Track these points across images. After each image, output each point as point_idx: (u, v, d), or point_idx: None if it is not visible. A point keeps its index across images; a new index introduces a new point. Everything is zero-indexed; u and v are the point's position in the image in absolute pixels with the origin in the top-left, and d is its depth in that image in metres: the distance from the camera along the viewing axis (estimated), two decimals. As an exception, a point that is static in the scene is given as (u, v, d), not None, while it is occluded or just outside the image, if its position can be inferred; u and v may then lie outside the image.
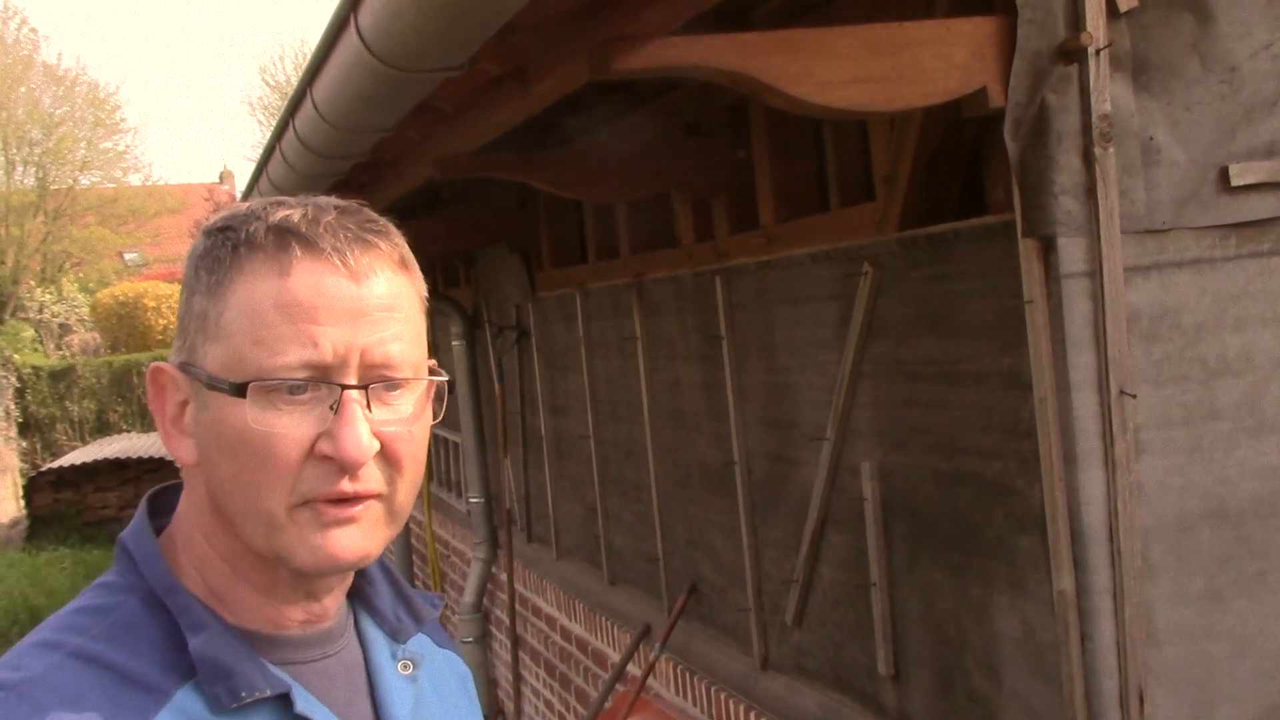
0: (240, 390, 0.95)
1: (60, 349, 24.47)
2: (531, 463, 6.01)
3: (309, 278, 0.96)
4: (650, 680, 4.25)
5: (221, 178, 41.36)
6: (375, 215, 1.03)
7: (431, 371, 1.03)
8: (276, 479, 0.96)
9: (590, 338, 4.92)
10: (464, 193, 6.02)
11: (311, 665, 1.04)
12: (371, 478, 0.98)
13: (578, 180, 3.46)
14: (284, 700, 0.99)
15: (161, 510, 1.09)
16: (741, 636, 3.73)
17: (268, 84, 36.14)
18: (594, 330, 4.89)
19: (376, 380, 0.98)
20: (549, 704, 5.85)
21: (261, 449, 0.95)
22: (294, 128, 3.30)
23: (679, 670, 4.05)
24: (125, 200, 31.53)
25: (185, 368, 1.00)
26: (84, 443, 18.58)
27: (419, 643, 1.16)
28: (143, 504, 1.08)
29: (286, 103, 3.46)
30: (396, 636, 1.14)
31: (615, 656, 4.67)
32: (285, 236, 0.97)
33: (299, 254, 0.96)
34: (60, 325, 25.50)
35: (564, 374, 5.37)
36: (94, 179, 31.76)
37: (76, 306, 25.93)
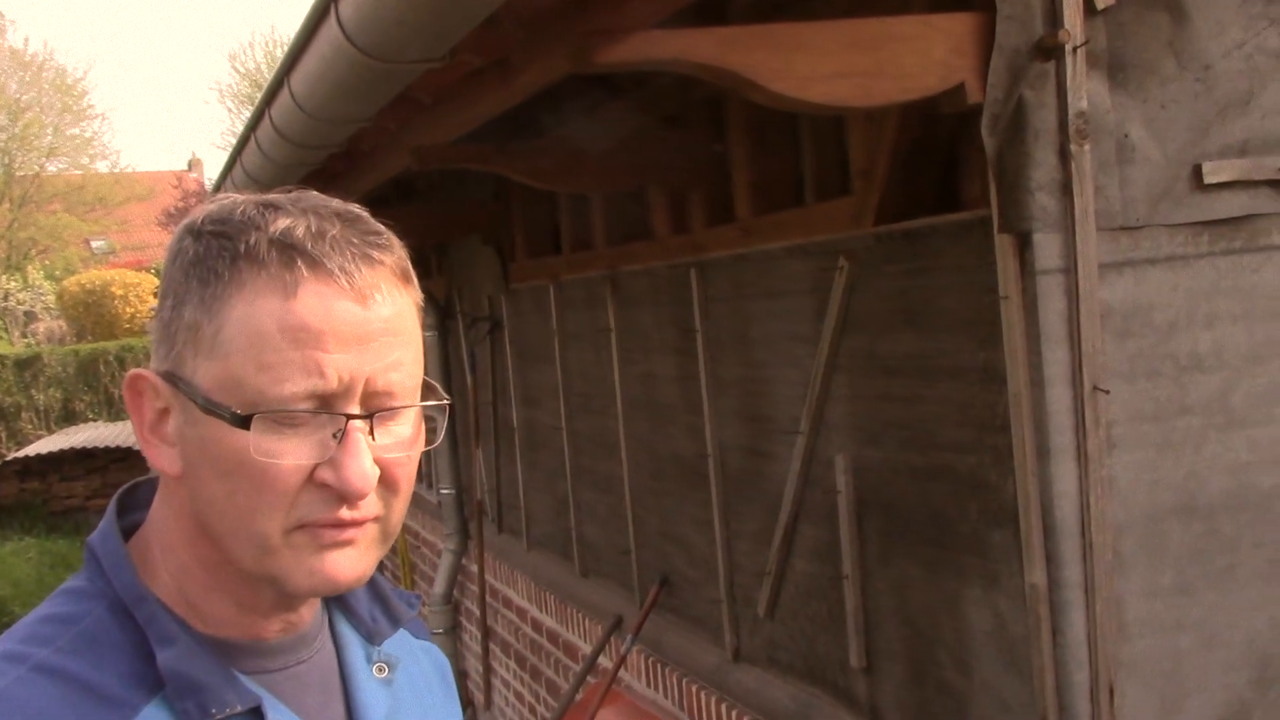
0: (244, 422, 0.91)
1: (26, 337, 24.24)
2: (503, 454, 6.01)
3: (315, 300, 0.92)
4: (621, 672, 4.26)
5: (190, 165, 41.04)
6: (377, 225, 0.99)
7: (431, 391, 1.00)
8: (273, 504, 0.93)
9: (564, 330, 4.92)
10: (439, 183, 6.00)
11: (285, 672, 1.02)
12: (370, 503, 0.95)
13: (554, 172, 3.46)
14: (255, 713, 0.97)
15: (132, 507, 1.06)
16: (713, 629, 3.75)
17: (237, 71, 35.93)
18: (568, 322, 4.89)
19: (379, 408, 0.95)
20: (519, 695, 5.86)
21: (260, 475, 0.92)
22: (270, 117, 3.28)
23: (650, 662, 4.07)
24: (92, 187, 31.29)
25: (171, 379, 0.95)
26: (50, 432, 18.40)
27: (396, 643, 1.13)
28: (112, 505, 1.04)
29: (263, 92, 3.44)
30: (372, 638, 1.11)
31: (586, 648, 4.68)
32: (289, 253, 0.92)
33: (305, 274, 0.92)
34: (26, 313, 25.25)
35: (537, 366, 5.37)
36: (61, 165, 31.53)
37: (42, 294, 25.68)
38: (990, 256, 2.30)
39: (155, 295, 1.01)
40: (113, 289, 22.96)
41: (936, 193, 2.76)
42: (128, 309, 22.99)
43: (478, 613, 6.41)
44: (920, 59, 2.21)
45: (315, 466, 0.93)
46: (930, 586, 2.68)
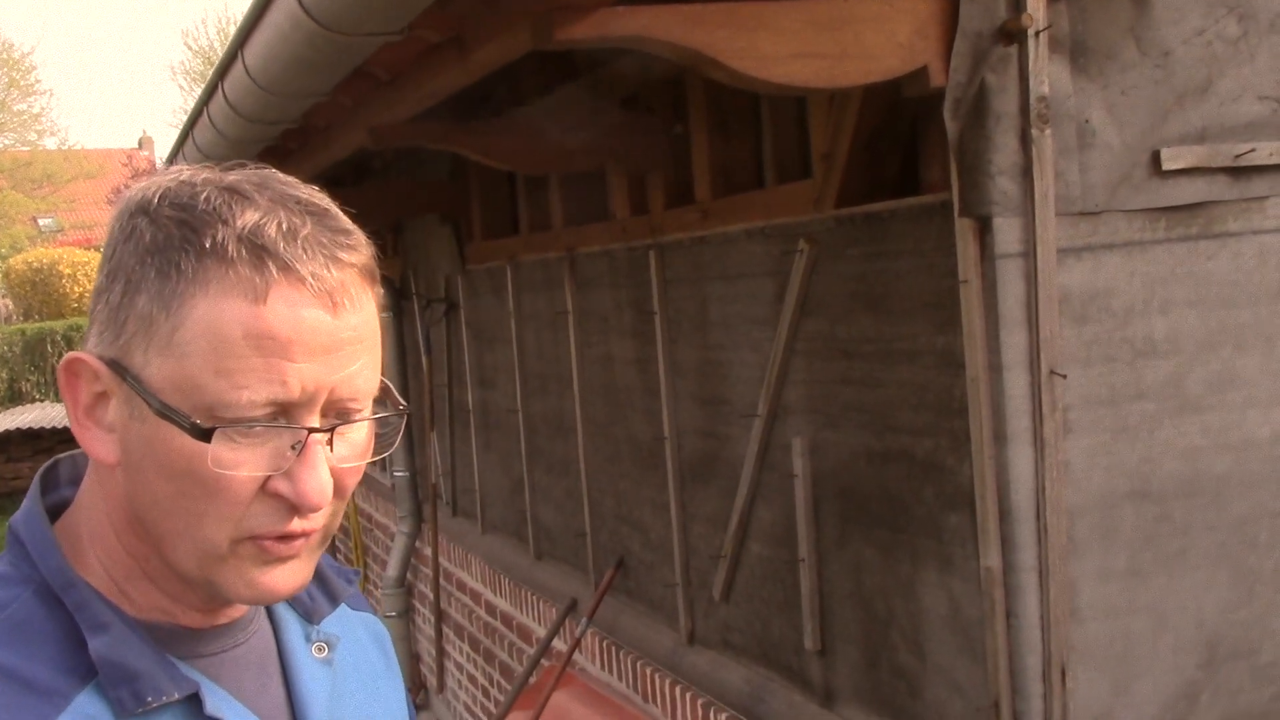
0: (205, 435, 0.87)
1: (-30, 315, 23.86)
2: (458, 436, 5.98)
3: (285, 308, 0.87)
4: (576, 655, 4.25)
5: (141, 143, 40.56)
6: (345, 221, 0.94)
7: (387, 396, 0.97)
8: (224, 514, 0.90)
9: (521, 311, 4.89)
10: (395, 162, 5.94)
11: (221, 656, 0.99)
12: (319, 514, 0.93)
13: (513, 152, 3.43)
14: (193, 700, 0.94)
15: (52, 486, 1.02)
16: (669, 611, 3.74)
17: (190, 48, 35.53)
18: (524, 303, 4.86)
19: (339, 418, 0.92)
20: (472, 678, 5.84)
21: (212, 483, 0.89)
22: (223, 91, 3.23)
23: (605, 645, 4.06)
24: (40, 164, 30.86)
25: (118, 368, 0.90)
26: (-5, 412, 18.15)
27: (335, 619, 1.11)
28: (35, 484, 1.00)
29: (215, 66, 3.38)
30: (310, 617, 1.08)
31: (541, 631, 4.66)
32: (259, 254, 0.88)
33: (275, 276, 0.87)
34: (-29, 291, 24.85)
35: (493, 347, 5.34)
36: (7, 141, 31.06)
37: (-12, 272, 25.29)
38: (950, 240, 2.30)
39: (98, 271, 0.94)
40: (60, 268, 22.64)
41: (897, 176, 2.76)
42: (75, 288, 22.67)
43: (431, 596, 6.38)
44: (884, 41, 2.21)
45: (269, 477, 0.90)
46: (886, 570, 2.69)
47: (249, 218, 0.89)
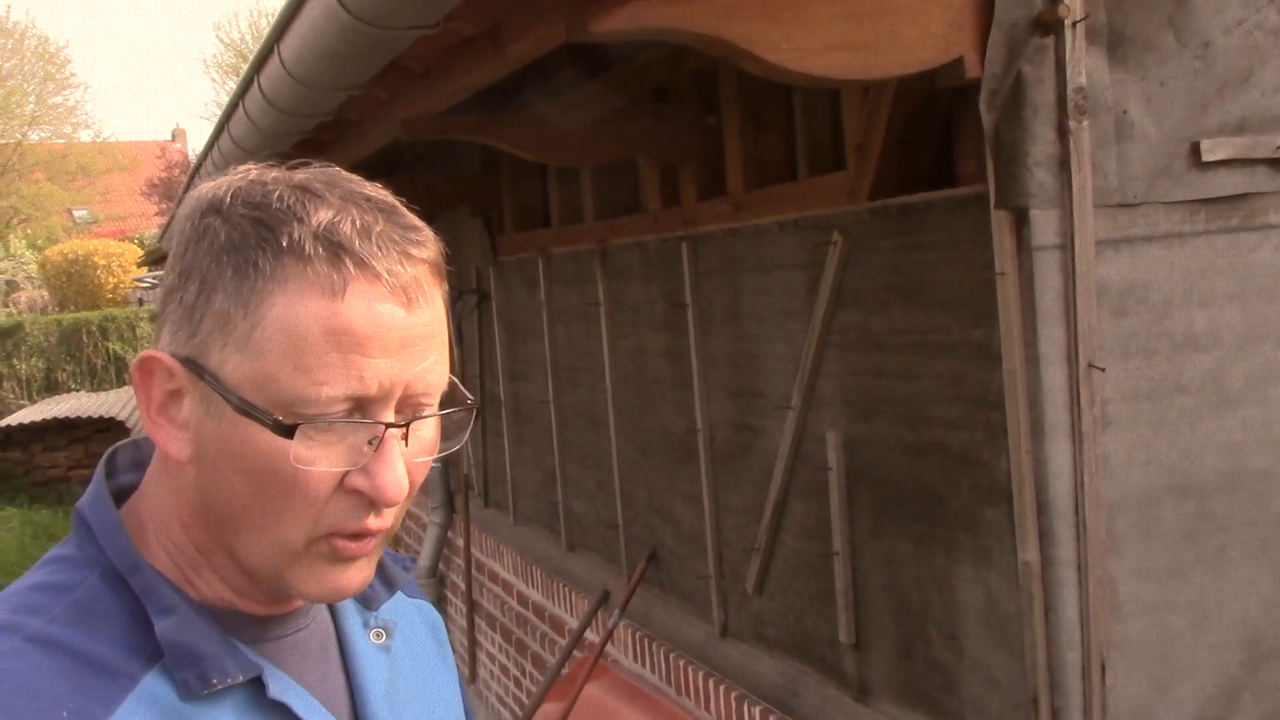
0: (288, 431, 0.88)
1: (8, 306, 24.10)
2: (490, 428, 5.99)
3: (362, 304, 0.88)
4: (608, 647, 4.26)
5: (174, 135, 40.86)
6: (414, 217, 0.95)
7: (454, 391, 0.97)
8: (301, 510, 0.91)
9: (552, 303, 4.90)
10: (426, 155, 5.95)
11: (282, 641, 1.00)
12: (390, 511, 0.94)
13: (545, 144, 3.43)
14: (256, 683, 0.95)
15: (114, 472, 1.03)
16: (701, 604, 3.74)
17: (222, 41, 35.69)
18: (556, 295, 4.86)
19: (414, 413, 0.93)
20: (504, 669, 5.85)
21: (290, 480, 0.90)
22: (259, 84, 3.24)
23: (638, 637, 4.06)
24: (75, 156, 31.13)
25: (194, 366, 0.91)
26: (31, 401, 18.31)
27: (391, 606, 1.12)
28: (99, 469, 1.01)
29: (251, 59, 3.39)
30: (368, 604, 1.10)
31: (573, 623, 4.67)
32: (337, 251, 0.89)
33: (352, 273, 0.89)
34: (8, 282, 25.10)
35: (524, 339, 5.34)
36: (43, 134, 31.34)
37: (24, 264, 25.53)
38: (986, 232, 2.28)
39: (164, 269, 0.92)
40: (95, 259, 22.85)
41: (932, 168, 2.74)
42: (110, 279, 22.87)
43: (463, 586, 6.40)
44: (919, 32, 2.19)
45: (346, 474, 0.91)
46: (921, 563, 2.67)
47: (323, 215, 0.90)
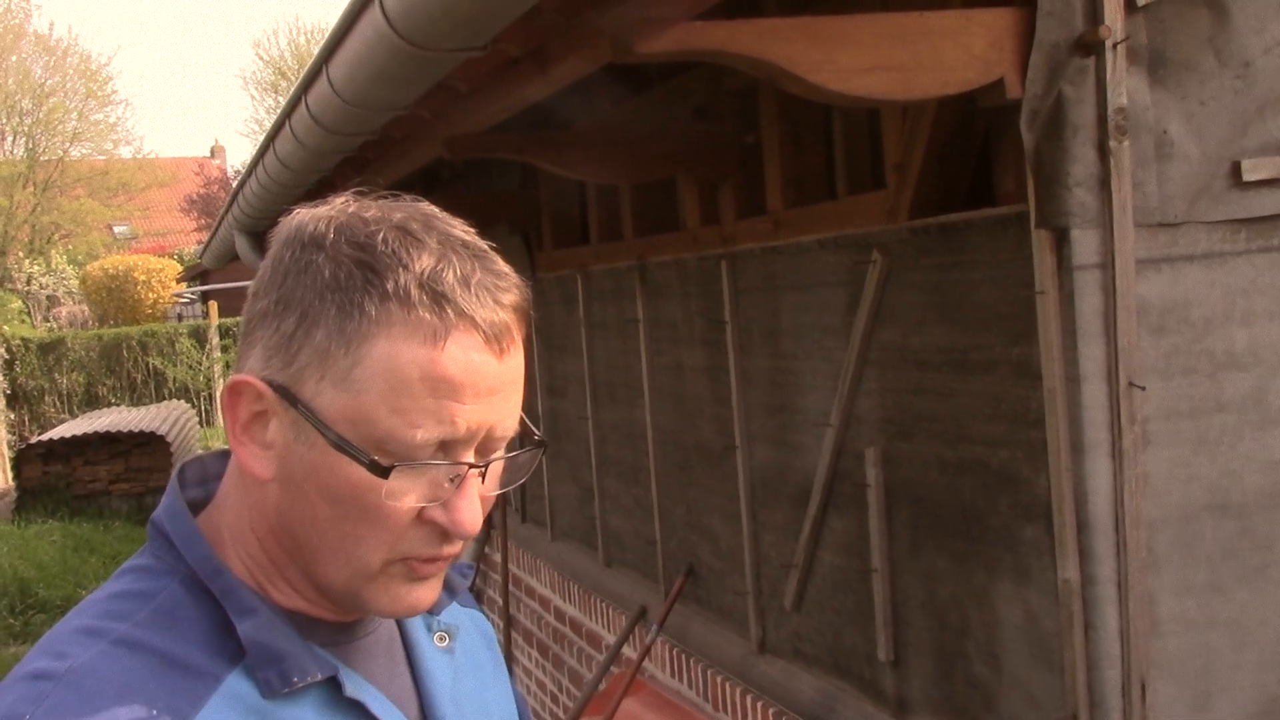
0: (384, 472, 0.93)
1: (49, 321, 24.39)
2: (527, 444, 6.02)
3: (460, 352, 0.92)
4: (646, 662, 4.27)
5: (213, 152, 41.25)
6: (502, 263, 0.99)
7: (524, 428, 1.02)
8: (382, 538, 0.96)
9: (591, 320, 4.93)
10: (464, 173, 6.01)
11: (353, 645, 1.05)
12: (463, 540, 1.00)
13: (586, 162, 3.47)
14: (332, 683, 0.99)
15: (188, 484, 1.06)
16: (739, 620, 3.76)
17: (261, 58, 36.08)
18: (594, 312, 4.90)
19: (492, 454, 0.98)
20: (541, 685, 5.88)
21: (375, 510, 0.94)
22: (306, 104, 3.30)
23: (675, 653, 4.08)
24: (115, 173, 31.46)
25: (285, 394, 0.95)
26: (72, 416, 18.51)
27: (450, 612, 1.16)
28: (173, 482, 1.05)
29: (299, 79, 3.45)
30: (431, 609, 1.11)
31: (610, 638, 4.69)
32: (440, 301, 0.92)
33: (453, 322, 0.92)
34: (49, 297, 25.41)
35: (563, 355, 5.38)
36: (84, 151, 31.69)
37: (65, 279, 25.84)
38: (1026, 251, 2.30)
39: (255, 296, 0.94)
40: (135, 274, 23.10)
41: (971, 187, 2.76)
42: (150, 294, 23.12)
43: (500, 601, 6.43)
44: (960, 53, 2.21)
45: (425, 506, 0.96)
46: (960, 580, 2.68)
47: (425, 262, 0.93)
